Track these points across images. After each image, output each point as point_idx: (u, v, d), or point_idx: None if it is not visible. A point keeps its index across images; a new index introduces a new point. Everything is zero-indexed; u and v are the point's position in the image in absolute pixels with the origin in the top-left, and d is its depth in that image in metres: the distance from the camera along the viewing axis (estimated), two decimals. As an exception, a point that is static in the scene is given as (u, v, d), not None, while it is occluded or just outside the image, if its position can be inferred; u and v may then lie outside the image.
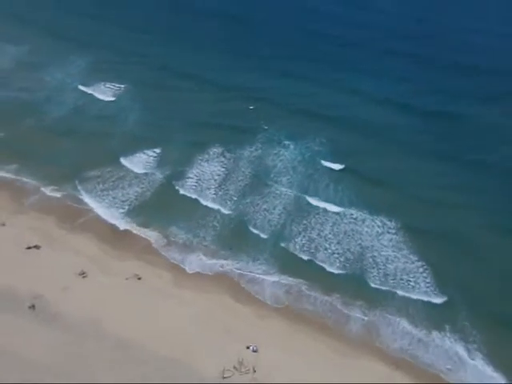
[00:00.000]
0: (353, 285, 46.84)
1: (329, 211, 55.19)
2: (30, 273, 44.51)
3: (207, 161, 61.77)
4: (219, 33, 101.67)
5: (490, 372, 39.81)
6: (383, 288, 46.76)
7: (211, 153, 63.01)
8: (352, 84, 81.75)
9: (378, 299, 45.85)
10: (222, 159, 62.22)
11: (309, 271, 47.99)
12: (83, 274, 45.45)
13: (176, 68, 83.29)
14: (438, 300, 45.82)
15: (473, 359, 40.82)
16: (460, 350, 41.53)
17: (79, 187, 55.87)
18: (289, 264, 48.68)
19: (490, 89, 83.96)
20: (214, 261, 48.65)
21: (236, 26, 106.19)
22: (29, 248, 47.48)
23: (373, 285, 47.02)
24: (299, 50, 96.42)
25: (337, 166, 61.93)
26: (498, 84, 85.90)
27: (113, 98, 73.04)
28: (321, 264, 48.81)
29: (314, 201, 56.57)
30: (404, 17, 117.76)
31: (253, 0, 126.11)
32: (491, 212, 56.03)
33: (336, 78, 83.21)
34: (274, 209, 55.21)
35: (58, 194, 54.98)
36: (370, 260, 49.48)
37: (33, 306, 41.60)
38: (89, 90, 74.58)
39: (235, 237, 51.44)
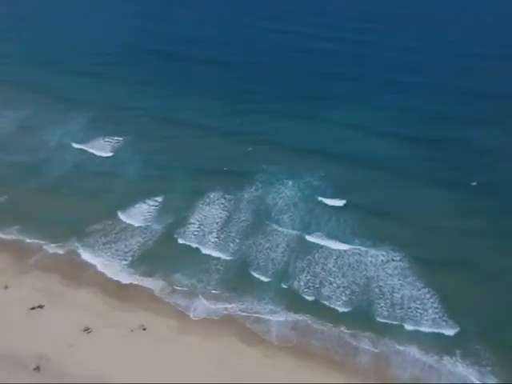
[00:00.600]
0: (360, 318, 46.28)
1: (332, 247, 54.89)
2: (34, 334, 44.12)
3: (208, 204, 61.97)
4: (216, 79, 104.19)
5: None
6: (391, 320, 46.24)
7: (212, 197, 63.29)
8: (351, 118, 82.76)
9: (387, 331, 45.21)
10: (223, 201, 62.52)
11: (315, 308, 47.59)
12: (88, 329, 45.04)
13: (174, 117, 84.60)
14: (450, 331, 44.90)
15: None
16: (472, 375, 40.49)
17: (81, 243, 55.97)
18: (294, 301, 48.27)
19: (491, 112, 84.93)
20: (219, 305, 48.23)
21: (232, 71, 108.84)
22: (32, 308, 47.19)
23: (379, 319, 46.40)
24: (297, 89, 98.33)
25: (338, 202, 61.79)
26: (499, 107, 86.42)
27: (111, 154, 74.02)
28: (326, 299, 48.38)
29: (315, 237, 56.32)
30: (399, 47, 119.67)
31: (249, 45, 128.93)
32: (499, 236, 55.72)
33: (334, 114, 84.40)
34: (277, 247, 55.06)
35: (60, 251, 55.01)
36: (377, 290, 48.91)
37: (37, 368, 41.06)
38: (87, 147, 75.66)
39: (238, 279, 51.14)
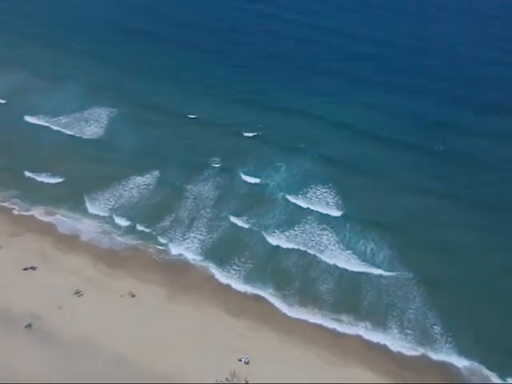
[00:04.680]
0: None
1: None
2: (26, 293, 45.53)
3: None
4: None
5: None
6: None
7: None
8: (345, 118, 78.51)
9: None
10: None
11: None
12: (78, 292, 46.41)
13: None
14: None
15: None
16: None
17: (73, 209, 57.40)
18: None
19: (491, 120, 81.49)
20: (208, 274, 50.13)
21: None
22: (25, 269, 48.51)
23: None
24: (290, 81, 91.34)
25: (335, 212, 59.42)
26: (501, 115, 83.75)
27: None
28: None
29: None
30: (399, 48, 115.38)
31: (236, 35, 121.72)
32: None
33: (325, 113, 79.61)
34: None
35: (53, 215, 56.07)
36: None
37: (29, 325, 42.53)
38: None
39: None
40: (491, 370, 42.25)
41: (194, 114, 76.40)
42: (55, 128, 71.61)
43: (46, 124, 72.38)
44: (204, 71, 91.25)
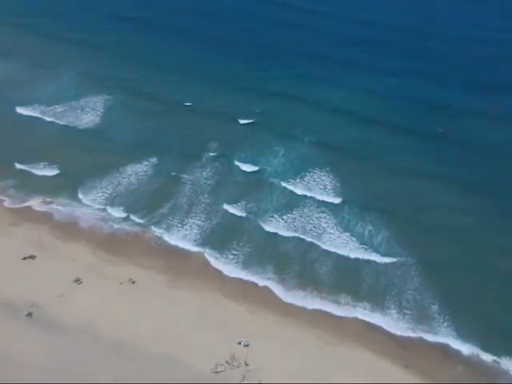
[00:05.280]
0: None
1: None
2: (26, 282, 45.79)
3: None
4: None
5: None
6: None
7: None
8: (342, 103, 77.73)
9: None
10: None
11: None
12: (78, 280, 46.75)
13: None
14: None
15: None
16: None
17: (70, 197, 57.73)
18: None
19: (491, 101, 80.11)
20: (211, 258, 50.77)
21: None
22: (24, 258, 48.80)
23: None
24: (287, 68, 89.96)
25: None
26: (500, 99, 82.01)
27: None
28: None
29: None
30: (397, 31, 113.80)
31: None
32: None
33: (323, 98, 78.84)
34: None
35: (50, 205, 56.28)
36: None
37: (30, 314, 42.84)
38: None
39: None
40: (488, 350, 42.34)
41: (189, 102, 76.24)
42: (49, 119, 71.43)
43: (39, 115, 72.12)
44: (200, 58, 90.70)
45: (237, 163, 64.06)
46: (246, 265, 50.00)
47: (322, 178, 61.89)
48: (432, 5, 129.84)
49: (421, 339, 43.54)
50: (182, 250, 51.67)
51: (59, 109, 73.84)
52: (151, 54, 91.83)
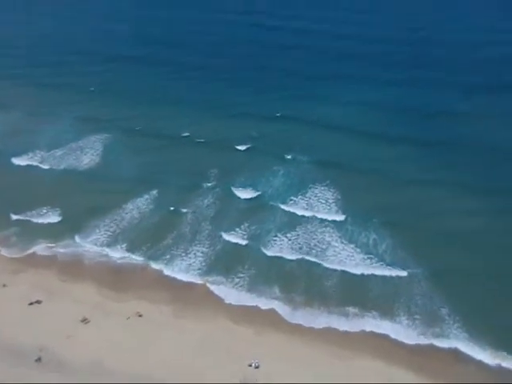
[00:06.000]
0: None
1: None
2: (33, 327, 45.90)
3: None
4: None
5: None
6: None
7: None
8: (337, 119, 79.56)
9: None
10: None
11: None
12: (85, 320, 46.87)
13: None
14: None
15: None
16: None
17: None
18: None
19: (488, 102, 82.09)
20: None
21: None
22: (31, 304, 49.04)
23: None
24: (279, 89, 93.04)
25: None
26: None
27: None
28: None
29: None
30: (390, 41, 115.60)
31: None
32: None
33: (317, 116, 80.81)
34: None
35: (53, 249, 56.90)
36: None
37: (39, 359, 42.85)
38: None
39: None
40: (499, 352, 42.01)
41: (187, 133, 77.92)
42: (48, 165, 72.92)
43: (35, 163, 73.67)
44: (193, 88, 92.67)
45: (236, 190, 64.68)
46: (250, 290, 50.04)
47: (323, 195, 62.23)
48: (420, 14, 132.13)
49: (432, 345, 43.12)
50: (186, 281, 51.82)
51: (58, 153, 75.47)
52: (144, 89, 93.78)
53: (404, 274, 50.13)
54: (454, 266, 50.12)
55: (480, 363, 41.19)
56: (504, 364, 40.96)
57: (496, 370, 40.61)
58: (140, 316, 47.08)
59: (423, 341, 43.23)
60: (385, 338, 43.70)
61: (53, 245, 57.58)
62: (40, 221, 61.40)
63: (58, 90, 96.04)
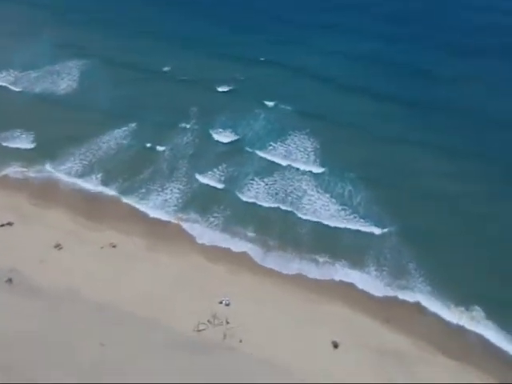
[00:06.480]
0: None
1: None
2: (4, 249, 45.44)
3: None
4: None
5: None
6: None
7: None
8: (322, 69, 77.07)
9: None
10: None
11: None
12: (58, 246, 46.75)
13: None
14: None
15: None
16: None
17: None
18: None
19: (473, 64, 79.20)
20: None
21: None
22: (2, 225, 48.55)
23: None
24: (266, 34, 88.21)
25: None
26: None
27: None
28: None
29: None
30: None
31: None
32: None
33: (302, 64, 78.57)
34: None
35: (26, 173, 56.05)
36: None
37: (10, 280, 42.71)
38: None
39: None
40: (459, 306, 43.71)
41: (166, 68, 76.07)
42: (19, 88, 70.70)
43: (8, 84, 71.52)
44: (177, 25, 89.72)
45: (215, 133, 63.62)
46: (223, 231, 50.42)
47: (302, 144, 61.85)
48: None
49: (397, 297, 44.72)
50: (160, 217, 51.83)
51: (33, 75, 73.24)
52: (127, 21, 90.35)
53: (376, 229, 50.87)
54: (427, 226, 50.91)
55: (439, 317, 43.01)
56: (462, 319, 42.92)
57: (453, 324, 42.71)
58: (114, 247, 47.21)
59: (389, 292, 44.82)
60: (353, 287, 44.96)
61: (25, 169, 56.61)
62: (13, 144, 60.03)
63: (38, 9, 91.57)
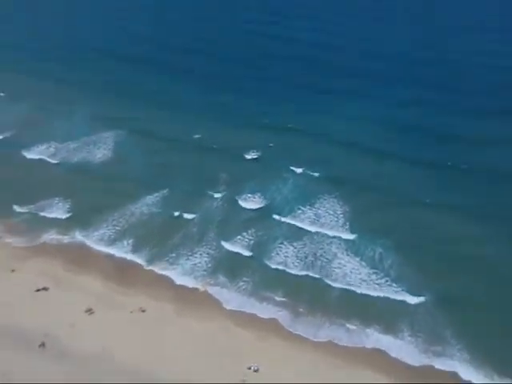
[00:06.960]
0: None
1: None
2: (39, 313, 46.47)
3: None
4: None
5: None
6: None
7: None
8: (348, 135, 79.30)
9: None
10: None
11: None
12: (90, 310, 47.52)
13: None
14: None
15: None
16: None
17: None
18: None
19: (501, 128, 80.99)
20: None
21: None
22: (38, 290, 49.85)
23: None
24: (289, 102, 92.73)
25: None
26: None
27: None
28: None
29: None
30: (398, 61, 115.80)
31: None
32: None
33: (328, 131, 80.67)
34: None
35: (62, 240, 58.05)
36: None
37: (43, 344, 43.37)
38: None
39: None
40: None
41: (196, 137, 79.29)
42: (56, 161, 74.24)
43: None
44: (206, 96, 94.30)
45: (242, 200, 64.76)
46: (251, 297, 50.42)
47: (331, 210, 62.29)
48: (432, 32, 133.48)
49: (432, 366, 43.31)
50: (188, 283, 52.27)
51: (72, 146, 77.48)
52: (159, 91, 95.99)
53: (409, 295, 50.04)
54: (462, 291, 50.04)
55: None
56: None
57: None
58: (143, 311, 47.71)
59: (424, 361, 43.50)
60: (385, 354, 43.92)
61: (60, 237, 58.45)
62: (50, 214, 62.19)
63: (71, 85, 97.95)
